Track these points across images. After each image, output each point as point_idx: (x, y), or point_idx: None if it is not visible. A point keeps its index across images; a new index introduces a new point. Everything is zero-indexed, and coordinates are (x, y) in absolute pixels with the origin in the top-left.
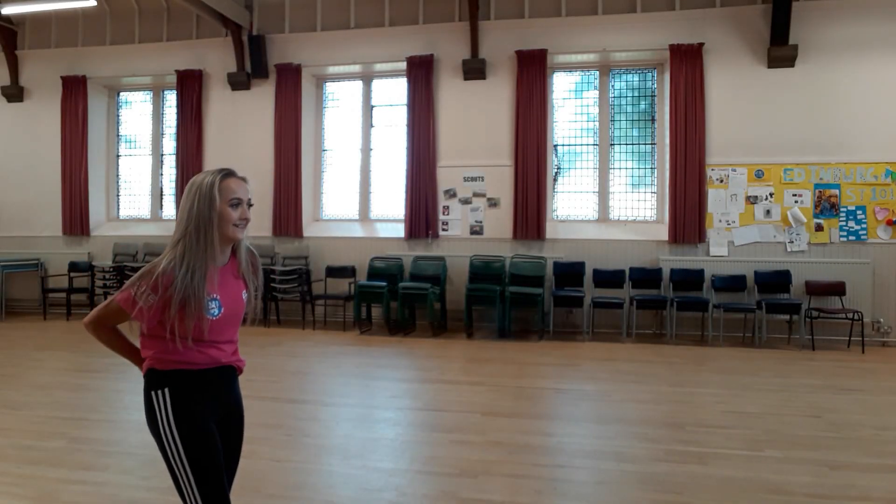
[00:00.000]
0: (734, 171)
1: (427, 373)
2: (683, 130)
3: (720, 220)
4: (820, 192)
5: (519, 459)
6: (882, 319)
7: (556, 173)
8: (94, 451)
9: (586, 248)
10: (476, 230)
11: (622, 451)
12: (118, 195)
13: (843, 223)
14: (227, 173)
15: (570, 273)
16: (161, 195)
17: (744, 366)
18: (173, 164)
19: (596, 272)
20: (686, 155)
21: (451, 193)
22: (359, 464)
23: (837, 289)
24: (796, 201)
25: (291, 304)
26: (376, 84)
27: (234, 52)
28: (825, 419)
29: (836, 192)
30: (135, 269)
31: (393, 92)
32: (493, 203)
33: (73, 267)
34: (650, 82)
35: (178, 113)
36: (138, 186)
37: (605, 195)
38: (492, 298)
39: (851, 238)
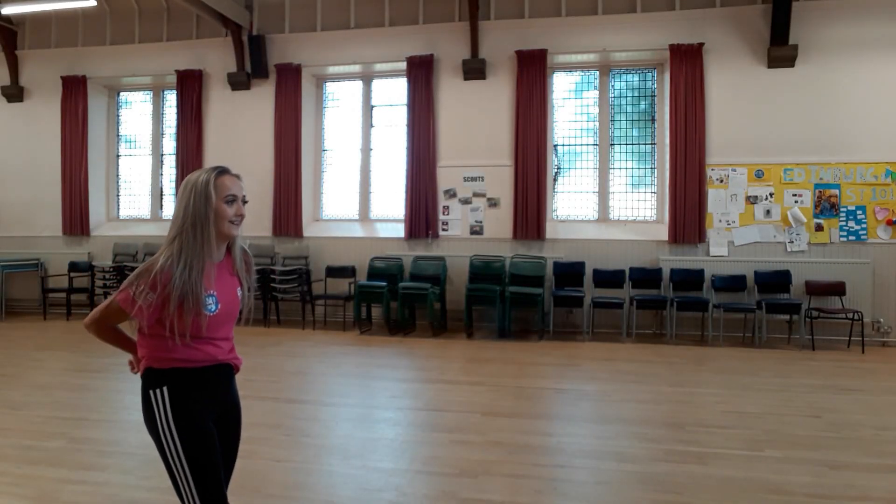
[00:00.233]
0: (734, 171)
1: (427, 373)
2: (683, 130)
3: (720, 220)
4: (820, 192)
5: (519, 459)
6: (882, 319)
7: (556, 173)
8: (94, 451)
9: (586, 248)
10: (476, 230)
11: (622, 451)
12: (118, 195)
13: (843, 223)
14: (222, 170)
15: (570, 273)
16: (161, 195)
17: (744, 366)
18: (173, 164)
19: (596, 272)
20: (686, 155)
21: (451, 193)
22: (359, 464)
23: (837, 289)
24: (796, 201)
25: (291, 304)
26: (376, 84)
27: (234, 52)
28: (825, 419)
29: (836, 192)
30: (135, 270)
31: (393, 92)
32: (493, 203)
33: (73, 267)
34: (650, 82)
35: (178, 113)
36: (138, 186)
37: (605, 195)
38: (492, 298)
39: (851, 238)
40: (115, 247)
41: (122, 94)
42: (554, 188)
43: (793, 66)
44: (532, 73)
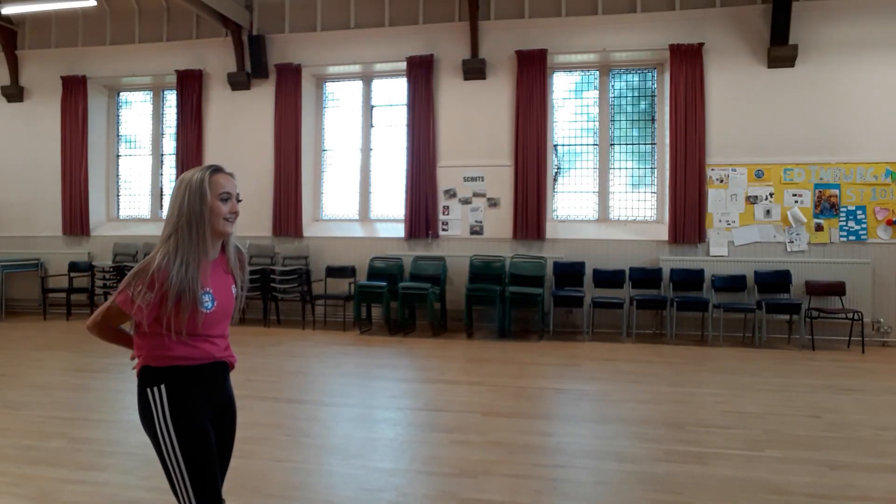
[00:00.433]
0: (734, 171)
1: (427, 373)
2: (683, 130)
3: (720, 220)
4: (820, 192)
5: (519, 459)
6: (882, 319)
7: (556, 173)
8: (94, 451)
9: (586, 248)
10: (476, 230)
11: (622, 451)
12: (118, 195)
13: (843, 223)
14: (216, 169)
15: (570, 273)
16: (161, 195)
17: (744, 366)
18: (173, 164)
19: (596, 272)
20: (686, 155)
21: (451, 193)
22: (359, 464)
23: (837, 289)
24: (796, 201)
25: (291, 304)
26: (376, 84)
27: (234, 52)
28: (825, 419)
29: (836, 192)
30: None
31: (393, 92)
32: (493, 203)
33: (73, 267)
34: (650, 82)
35: (178, 113)
36: (138, 186)
37: (605, 195)
38: (492, 298)
39: (851, 238)
40: (115, 247)
41: (122, 94)
42: (554, 188)
43: (793, 66)
44: (532, 73)
